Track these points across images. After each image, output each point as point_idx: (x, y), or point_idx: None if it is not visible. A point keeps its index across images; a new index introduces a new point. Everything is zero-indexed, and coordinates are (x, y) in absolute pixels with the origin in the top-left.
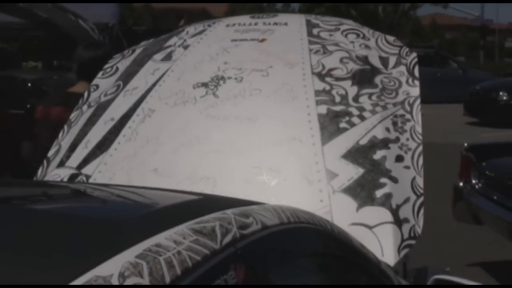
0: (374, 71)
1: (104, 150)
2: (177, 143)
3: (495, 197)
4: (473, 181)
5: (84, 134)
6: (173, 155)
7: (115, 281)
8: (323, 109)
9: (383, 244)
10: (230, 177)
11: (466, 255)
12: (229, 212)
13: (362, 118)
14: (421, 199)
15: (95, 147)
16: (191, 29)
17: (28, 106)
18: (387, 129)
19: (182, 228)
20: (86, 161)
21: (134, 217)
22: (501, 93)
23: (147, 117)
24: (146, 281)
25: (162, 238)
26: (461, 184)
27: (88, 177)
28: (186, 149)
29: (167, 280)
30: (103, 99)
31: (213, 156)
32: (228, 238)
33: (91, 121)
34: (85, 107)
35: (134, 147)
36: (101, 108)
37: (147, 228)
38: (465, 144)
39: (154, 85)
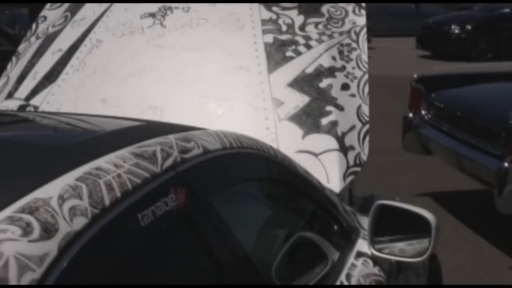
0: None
1: (52, 81)
2: (125, 73)
3: (444, 128)
4: (423, 112)
5: (32, 65)
6: (120, 85)
7: (54, 203)
8: (269, 38)
9: (328, 171)
10: (177, 106)
11: (415, 185)
12: (171, 137)
13: (308, 47)
14: (367, 126)
15: (43, 78)
16: None
17: None
18: (333, 58)
19: (123, 152)
20: (34, 92)
21: (76, 142)
22: (453, 27)
23: (94, 48)
24: (85, 203)
25: (102, 161)
26: (410, 115)
27: (36, 108)
28: (133, 79)
29: (107, 202)
30: (51, 30)
31: (160, 85)
32: (169, 162)
33: (39, 53)
34: (33, 39)
35: (82, 78)
36: (49, 39)
37: (88, 152)
38: (415, 76)
39: (101, 15)
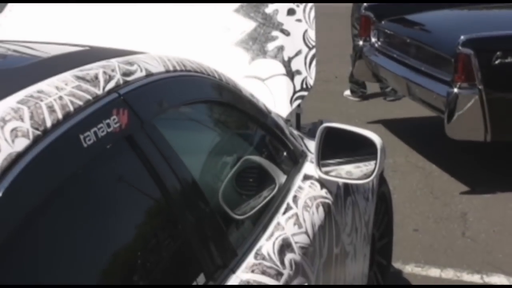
0: None
1: None
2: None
3: (394, 55)
4: (373, 40)
5: None
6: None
7: None
8: None
9: (275, 95)
10: (126, 35)
11: (366, 113)
12: (114, 60)
13: None
14: (313, 51)
15: None
16: None
17: None
18: None
19: (65, 75)
20: None
21: (18, 66)
22: None
23: None
24: (27, 124)
25: (44, 84)
26: (361, 43)
27: None
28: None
29: (48, 124)
30: None
31: (105, 15)
32: (111, 84)
33: None
34: None
35: (29, 9)
36: None
37: (31, 75)
38: (365, 4)
39: None
